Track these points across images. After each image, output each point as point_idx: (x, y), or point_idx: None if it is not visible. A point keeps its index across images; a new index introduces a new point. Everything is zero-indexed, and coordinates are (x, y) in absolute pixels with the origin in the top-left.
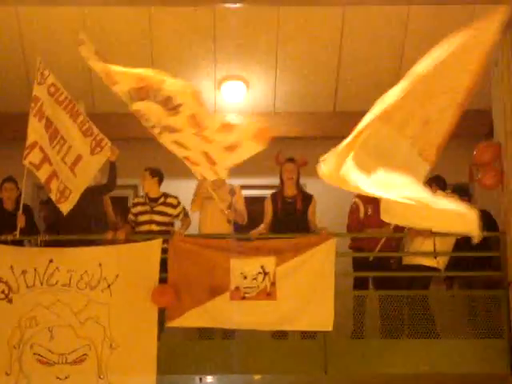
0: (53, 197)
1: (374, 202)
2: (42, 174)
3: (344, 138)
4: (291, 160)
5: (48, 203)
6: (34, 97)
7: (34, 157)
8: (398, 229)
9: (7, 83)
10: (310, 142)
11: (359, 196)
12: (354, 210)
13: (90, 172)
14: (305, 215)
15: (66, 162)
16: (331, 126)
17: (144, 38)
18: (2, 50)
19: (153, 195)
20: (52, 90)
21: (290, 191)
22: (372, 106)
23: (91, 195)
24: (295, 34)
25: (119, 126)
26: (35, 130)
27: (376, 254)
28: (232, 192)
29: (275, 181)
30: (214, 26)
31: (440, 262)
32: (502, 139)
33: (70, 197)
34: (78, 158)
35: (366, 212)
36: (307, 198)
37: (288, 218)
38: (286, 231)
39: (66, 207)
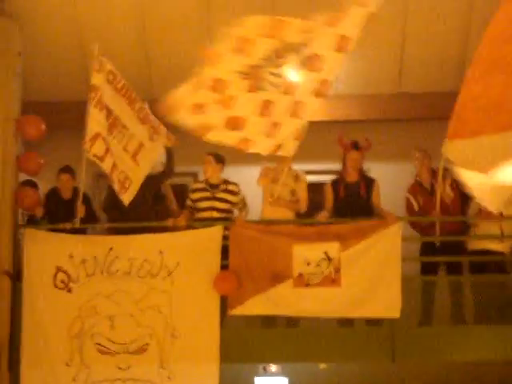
0: (116, 188)
1: (422, 194)
2: (107, 166)
3: (408, 120)
4: (356, 147)
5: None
6: (93, 86)
7: (97, 149)
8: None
9: (63, 71)
10: (372, 125)
11: (408, 190)
12: (407, 205)
13: (150, 160)
14: (368, 201)
15: (128, 150)
16: (394, 108)
17: (201, 23)
18: (58, 37)
19: (214, 181)
20: (110, 77)
21: (352, 177)
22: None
23: (150, 183)
24: None
25: None
26: (97, 121)
27: (444, 239)
28: (296, 178)
29: (334, 166)
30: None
31: (506, 247)
32: None
33: (130, 187)
34: (140, 146)
35: (418, 204)
36: (370, 183)
37: (351, 203)
38: (349, 216)
39: (127, 198)
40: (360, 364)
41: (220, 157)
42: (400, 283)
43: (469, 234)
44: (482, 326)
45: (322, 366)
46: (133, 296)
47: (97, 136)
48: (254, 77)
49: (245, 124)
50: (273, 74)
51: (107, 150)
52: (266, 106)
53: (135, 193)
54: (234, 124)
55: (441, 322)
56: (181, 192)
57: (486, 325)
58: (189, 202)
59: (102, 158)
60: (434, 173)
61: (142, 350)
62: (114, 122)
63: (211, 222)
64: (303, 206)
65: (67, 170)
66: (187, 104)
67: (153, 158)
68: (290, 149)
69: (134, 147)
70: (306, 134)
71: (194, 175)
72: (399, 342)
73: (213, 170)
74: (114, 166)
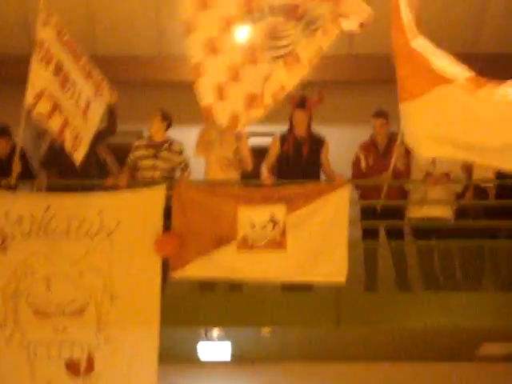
0: (68, 146)
1: (374, 152)
2: (54, 124)
3: (360, 82)
4: (302, 105)
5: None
6: (40, 40)
7: (42, 107)
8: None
9: (3, 23)
10: (322, 88)
11: (360, 147)
12: (355, 162)
13: (96, 116)
14: (314, 159)
15: (79, 106)
16: (346, 70)
17: None
18: None
19: (158, 139)
20: (57, 30)
21: (299, 133)
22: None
23: (92, 141)
24: None
25: (122, 70)
26: (42, 77)
27: (391, 203)
28: (238, 138)
29: (284, 128)
30: None
31: (449, 213)
32: None
33: (81, 144)
34: (88, 102)
35: (367, 163)
36: (318, 143)
37: (296, 161)
38: (293, 176)
39: (79, 155)
40: (305, 328)
41: (167, 115)
42: (346, 248)
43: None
44: (427, 293)
45: (266, 330)
46: (71, 256)
47: (41, 93)
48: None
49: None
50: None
51: (55, 107)
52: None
53: (86, 150)
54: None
55: (386, 288)
56: (124, 151)
57: (431, 291)
58: (130, 161)
59: (48, 116)
60: (392, 135)
61: (79, 311)
62: (65, 77)
63: (153, 181)
64: (248, 165)
65: (3, 132)
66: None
67: (98, 115)
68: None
69: (83, 103)
70: None
71: (139, 134)
72: (344, 307)
73: (158, 127)
74: (66, 122)
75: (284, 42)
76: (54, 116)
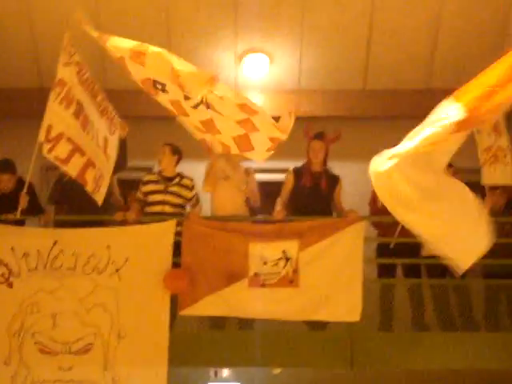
0: (89, 188)
1: None
2: (73, 168)
3: (374, 118)
4: (319, 136)
5: (59, 183)
6: (60, 81)
7: (60, 150)
8: None
9: (12, 57)
10: (337, 122)
11: None
12: (371, 200)
13: (114, 153)
14: (329, 196)
15: (99, 145)
16: (361, 105)
17: (159, 10)
18: (6, 17)
19: (168, 174)
20: (77, 69)
21: (315, 168)
22: (405, 83)
23: None
24: (323, 2)
25: (132, 104)
26: (61, 119)
27: (406, 240)
28: (247, 173)
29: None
30: None
31: None
32: None
33: (102, 183)
34: (106, 141)
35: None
36: (334, 179)
37: (311, 196)
38: (308, 212)
39: (100, 197)
40: (317, 370)
41: (177, 148)
42: (361, 285)
43: None
44: (444, 333)
45: (277, 371)
46: (77, 293)
47: (60, 137)
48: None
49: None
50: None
51: (75, 150)
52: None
53: (106, 190)
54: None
55: (401, 327)
56: (133, 187)
57: (447, 331)
58: (139, 195)
59: (65, 161)
60: None
61: (85, 350)
62: (85, 119)
63: (163, 216)
64: (256, 201)
65: (7, 168)
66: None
67: (115, 151)
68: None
69: (102, 141)
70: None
71: (149, 170)
72: (358, 348)
73: (168, 161)
74: (89, 164)
75: None
76: (73, 160)
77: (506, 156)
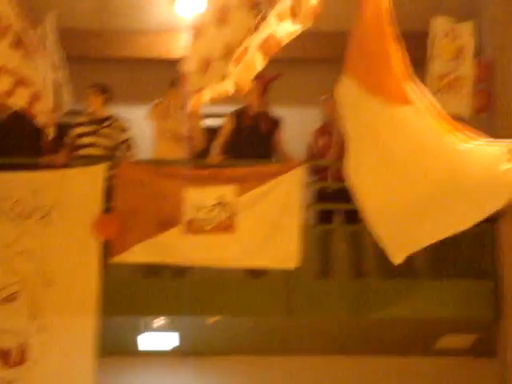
0: (40, 121)
1: (325, 135)
2: (19, 99)
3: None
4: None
5: None
6: None
7: (2, 83)
8: None
9: None
10: (278, 65)
11: (313, 133)
12: (307, 148)
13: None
14: (269, 139)
15: (45, 80)
16: (302, 47)
17: None
18: None
19: (99, 115)
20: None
21: (254, 109)
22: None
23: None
24: None
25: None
26: None
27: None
28: (192, 114)
29: None
30: None
31: None
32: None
33: (52, 118)
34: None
35: (317, 145)
36: (274, 121)
37: (250, 139)
38: (246, 157)
39: (51, 130)
40: (254, 318)
41: (105, 88)
42: (299, 232)
43: None
44: (384, 281)
45: (212, 319)
46: (1, 239)
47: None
48: None
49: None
50: None
51: (18, 83)
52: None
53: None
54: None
55: (340, 275)
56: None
57: (387, 279)
58: (68, 139)
59: (7, 94)
60: None
61: (10, 298)
62: (30, 48)
63: (93, 160)
64: (199, 143)
65: None
66: None
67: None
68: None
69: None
70: None
71: (79, 114)
72: (296, 296)
73: (96, 102)
74: (36, 97)
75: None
76: (18, 91)
77: (463, 87)
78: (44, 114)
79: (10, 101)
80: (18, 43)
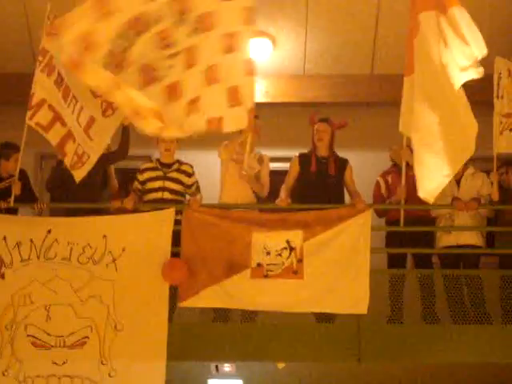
0: (67, 161)
1: (393, 174)
2: (53, 136)
3: (381, 104)
4: (324, 120)
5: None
6: (42, 49)
7: (41, 117)
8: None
9: (6, 40)
10: (342, 108)
11: (381, 175)
12: (375, 188)
13: (104, 136)
14: (339, 182)
15: (80, 123)
16: (367, 90)
17: None
18: (2, 7)
19: (167, 161)
20: None
21: (321, 152)
22: None
23: (99, 163)
24: None
25: None
26: (43, 87)
27: (416, 229)
28: (260, 160)
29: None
30: None
31: (480, 240)
32: None
33: (86, 162)
34: (91, 120)
35: (386, 184)
36: (342, 162)
37: (318, 184)
38: (314, 200)
39: (80, 173)
40: (323, 364)
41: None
42: (368, 276)
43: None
44: (456, 326)
45: (281, 365)
46: (72, 284)
47: (42, 102)
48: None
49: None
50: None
51: (55, 119)
52: (172, 91)
53: (89, 169)
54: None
55: (412, 320)
56: (132, 176)
57: (460, 324)
58: (136, 184)
59: (46, 128)
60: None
61: (80, 343)
62: (66, 91)
63: (162, 204)
64: (265, 191)
65: (15, 147)
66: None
67: (107, 135)
68: (234, 119)
69: (84, 121)
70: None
71: (148, 158)
72: (366, 341)
73: (167, 147)
74: (70, 137)
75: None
76: (54, 128)
77: None
78: (73, 157)
79: (47, 135)
80: (59, 83)
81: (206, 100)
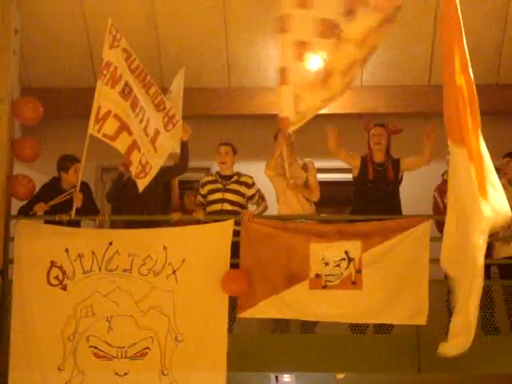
0: (133, 170)
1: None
2: (121, 145)
3: (439, 114)
4: (380, 125)
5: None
6: (106, 63)
7: (108, 127)
8: None
9: (66, 54)
10: (400, 118)
11: (435, 189)
12: (434, 203)
13: (166, 149)
14: (397, 185)
15: (147, 133)
16: (425, 101)
17: (217, 7)
18: (61, 16)
19: (226, 173)
20: (125, 56)
21: (377, 157)
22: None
23: (160, 176)
24: None
25: (190, 102)
26: (108, 98)
27: None
28: (305, 167)
29: None
30: None
31: None
32: None
33: (150, 172)
34: (157, 132)
35: (443, 202)
36: (396, 163)
37: (375, 192)
38: (372, 211)
39: (143, 183)
40: (383, 374)
41: (236, 148)
42: (427, 287)
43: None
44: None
45: (340, 376)
46: (133, 295)
47: (108, 114)
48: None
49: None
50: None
51: (122, 128)
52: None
53: (150, 180)
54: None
55: None
56: (189, 188)
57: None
58: (200, 198)
59: (113, 137)
60: None
61: (141, 354)
62: (135, 101)
63: (221, 216)
64: (316, 195)
65: (74, 159)
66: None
67: (168, 149)
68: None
69: (152, 132)
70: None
71: (207, 170)
72: (425, 352)
73: (228, 159)
74: (135, 146)
75: None
76: (121, 136)
77: None
78: (138, 166)
79: (114, 144)
80: (127, 93)
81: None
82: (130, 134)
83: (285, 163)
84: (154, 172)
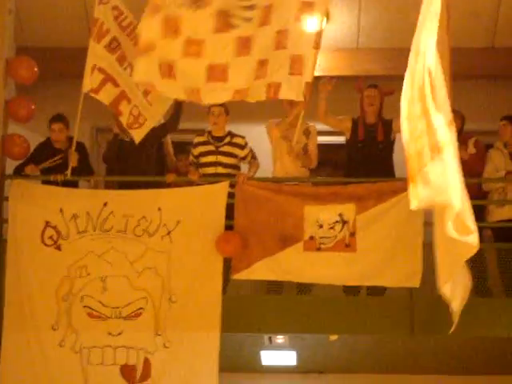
0: (123, 120)
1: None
2: (105, 96)
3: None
4: (373, 86)
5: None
6: (95, 19)
7: (92, 81)
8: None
9: (63, 14)
10: (395, 81)
11: None
12: None
13: (162, 104)
14: (386, 148)
15: (139, 88)
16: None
17: None
18: None
19: (218, 133)
20: (115, 13)
21: (370, 118)
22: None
23: (152, 135)
24: None
25: None
26: (94, 54)
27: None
28: (307, 132)
29: None
30: None
31: None
32: None
33: (144, 124)
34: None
35: None
36: (388, 124)
37: (366, 155)
38: (363, 173)
39: (139, 134)
40: (375, 336)
41: (228, 109)
42: (421, 249)
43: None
44: (510, 299)
45: (333, 337)
46: (128, 256)
47: (92, 68)
48: (219, 14)
49: (227, 72)
50: (242, 7)
51: (107, 80)
52: (242, 44)
53: (146, 132)
54: (216, 75)
55: None
56: (183, 150)
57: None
58: (192, 158)
59: (96, 90)
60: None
61: (136, 315)
62: (122, 55)
63: (215, 178)
64: (313, 162)
65: (59, 118)
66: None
67: (165, 104)
68: (292, 88)
69: (142, 87)
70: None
71: (201, 132)
72: (418, 314)
73: (219, 120)
74: (124, 97)
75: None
76: (104, 88)
77: None
78: (129, 116)
79: (97, 96)
80: (114, 48)
81: (272, 65)
82: (117, 85)
83: (297, 126)
84: (149, 124)
